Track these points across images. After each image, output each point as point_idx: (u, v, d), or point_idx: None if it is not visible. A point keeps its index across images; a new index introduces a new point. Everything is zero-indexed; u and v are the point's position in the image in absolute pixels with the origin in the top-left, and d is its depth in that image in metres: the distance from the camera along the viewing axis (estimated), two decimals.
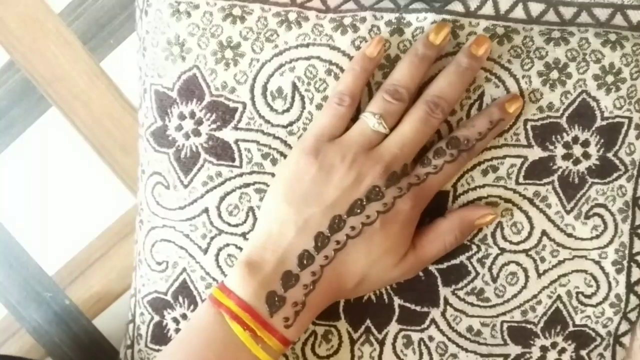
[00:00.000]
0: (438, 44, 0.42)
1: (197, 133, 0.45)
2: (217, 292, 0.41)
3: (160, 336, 0.48)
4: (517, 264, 0.45)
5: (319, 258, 0.41)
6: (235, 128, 0.44)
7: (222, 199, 0.45)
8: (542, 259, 0.45)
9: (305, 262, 0.40)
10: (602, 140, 0.43)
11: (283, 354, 0.42)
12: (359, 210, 0.41)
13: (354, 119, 0.43)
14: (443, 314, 0.46)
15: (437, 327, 0.46)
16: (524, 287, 0.45)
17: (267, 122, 0.44)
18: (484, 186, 0.44)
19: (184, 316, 0.47)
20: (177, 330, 0.47)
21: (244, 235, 0.45)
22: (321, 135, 0.42)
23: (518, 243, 0.44)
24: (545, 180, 0.44)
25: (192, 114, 0.45)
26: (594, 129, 0.43)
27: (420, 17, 0.43)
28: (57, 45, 0.54)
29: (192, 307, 0.47)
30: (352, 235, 0.41)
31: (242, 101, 0.44)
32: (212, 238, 0.45)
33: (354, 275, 0.42)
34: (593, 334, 0.46)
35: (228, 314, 0.39)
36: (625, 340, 0.47)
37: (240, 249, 0.45)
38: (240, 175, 0.45)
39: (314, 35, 0.43)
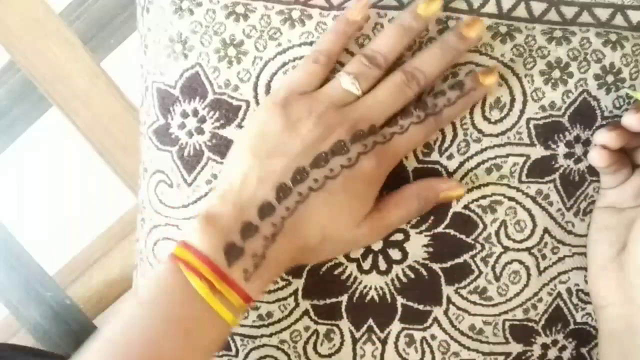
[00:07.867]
0: (425, 16, 0.42)
1: (200, 131, 0.45)
2: (177, 249, 0.39)
3: None
4: (520, 262, 0.45)
5: (280, 209, 0.40)
6: (239, 126, 0.44)
7: None
8: (544, 256, 0.45)
9: (265, 212, 0.39)
10: None
11: (246, 317, 0.41)
12: (323, 163, 0.40)
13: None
14: (446, 312, 0.46)
15: (440, 325, 0.46)
16: (526, 285, 0.45)
17: None
18: (487, 184, 0.44)
19: None
20: None
21: None
22: (291, 90, 0.41)
23: (521, 241, 0.45)
24: (547, 179, 0.44)
25: (195, 112, 0.45)
26: (594, 128, 0.44)
27: None
28: (57, 45, 0.54)
29: None
30: (315, 187, 0.40)
31: (245, 99, 0.44)
32: None
33: (315, 230, 0.41)
34: (594, 332, 0.46)
35: (185, 267, 0.38)
36: None
37: None
38: None
39: (317, 34, 0.43)
